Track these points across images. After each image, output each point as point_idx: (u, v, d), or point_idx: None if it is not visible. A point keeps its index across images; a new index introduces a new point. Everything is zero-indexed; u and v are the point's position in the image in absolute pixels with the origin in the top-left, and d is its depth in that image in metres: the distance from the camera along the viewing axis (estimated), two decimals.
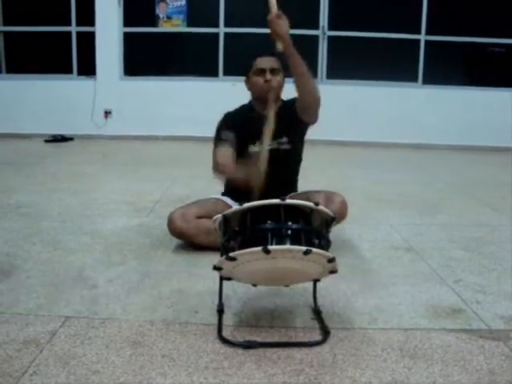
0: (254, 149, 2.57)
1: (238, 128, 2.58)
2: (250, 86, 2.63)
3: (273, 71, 2.53)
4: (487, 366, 1.53)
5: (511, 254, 2.65)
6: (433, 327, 1.78)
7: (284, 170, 2.64)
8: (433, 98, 7.55)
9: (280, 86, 2.59)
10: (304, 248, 1.48)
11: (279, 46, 2.27)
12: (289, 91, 2.57)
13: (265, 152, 2.37)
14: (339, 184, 3.63)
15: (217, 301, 1.79)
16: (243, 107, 2.73)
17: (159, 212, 3.21)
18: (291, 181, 2.78)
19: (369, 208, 3.59)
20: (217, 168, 2.51)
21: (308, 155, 2.88)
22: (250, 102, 2.72)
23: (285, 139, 2.61)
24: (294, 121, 2.57)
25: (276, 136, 2.50)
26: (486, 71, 7.95)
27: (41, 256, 2.41)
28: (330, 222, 1.66)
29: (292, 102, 2.60)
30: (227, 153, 2.51)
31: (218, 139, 2.60)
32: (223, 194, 2.73)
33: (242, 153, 2.57)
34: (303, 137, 2.74)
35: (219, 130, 2.64)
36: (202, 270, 2.22)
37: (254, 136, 2.54)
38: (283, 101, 2.66)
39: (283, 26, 2.25)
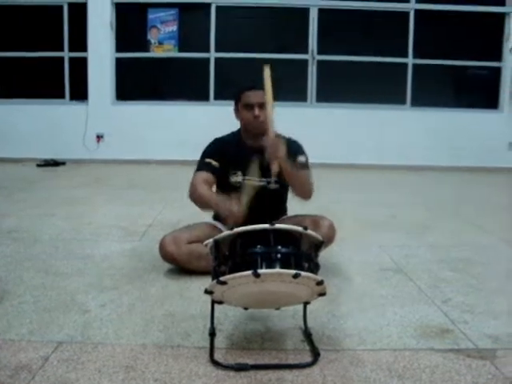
0: (235, 179, 2.61)
1: (224, 156, 2.62)
2: (239, 117, 2.66)
3: (261, 105, 2.52)
4: None
5: (499, 273, 2.70)
6: (421, 347, 1.81)
7: (272, 205, 2.68)
8: (421, 120, 7.68)
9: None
10: (293, 271, 1.51)
11: (275, 168, 2.29)
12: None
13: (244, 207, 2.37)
14: (329, 207, 3.68)
15: (209, 324, 1.81)
16: (232, 135, 2.75)
17: (151, 236, 3.24)
18: (280, 210, 2.80)
19: (358, 230, 3.63)
20: (193, 196, 2.54)
21: None
22: (238, 131, 2.74)
23: (272, 179, 2.57)
24: None
25: (264, 174, 2.53)
26: (471, 93, 8.11)
27: (33, 281, 2.42)
28: (318, 245, 1.70)
29: (291, 144, 2.56)
30: (207, 184, 2.55)
31: (202, 163, 2.63)
32: (214, 219, 2.76)
33: (223, 181, 2.61)
34: None
35: (205, 154, 2.67)
36: (193, 294, 2.24)
37: (237, 166, 2.60)
38: (278, 135, 2.57)
39: (280, 149, 2.29)
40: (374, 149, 7.63)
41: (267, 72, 2.25)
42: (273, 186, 2.62)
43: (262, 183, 2.59)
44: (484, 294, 2.38)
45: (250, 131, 2.63)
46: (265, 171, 2.50)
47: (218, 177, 2.61)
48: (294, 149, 2.59)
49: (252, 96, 2.57)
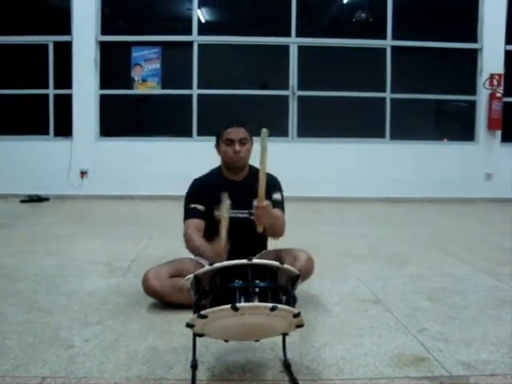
0: (219, 213, 2.66)
1: (206, 195, 2.69)
2: (220, 153, 2.75)
3: (241, 141, 2.65)
4: None
5: (474, 302, 2.78)
6: (397, 375, 1.88)
7: (254, 236, 2.69)
8: (400, 153, 7.86)
9: (249, 153, 2.74)
10: (270, 305, 1.58)
11: (260, 229, 2.43)
12: None
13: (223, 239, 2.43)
14: (310, 240, 3.76)
15: (190, 357, 1.86)
16: (212, 172, 2.85)
17: (135, 272, 3.28)
18: (261, 242, 2.86)
19: (338, 262, 3.70)
20: (189, 247, 2.66)
21: None
22: (219, 167, 2.83)
23: (253, 210, 2.58)
24: None
25: (246, 206, 2.63)
26: (448, 126, 8.35)
27: (17, 317, 2.45)
28: (295, 279, 1.77)
29: (268, 180, 2.56)
30: (199, 232, 2.65)
31: (188, 210, 2.72)
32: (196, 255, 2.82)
33: (209, 217, 2.69)
34: None
35: (188, 199, 2.75)
36: (175, 328, 2.29)
37: (220, 201, 2.65)
38: (255, 169, 2.63)
39: (267, 216, 2.41)
40: (354, 182, 7.76)
41: (264, 135, 2.23)
42: (260, 228, 2.67)
43: (243, 215, 2.68)
44: (458, 322, 2.46)
45: (230, 166, 2.73)
46: (245, 203, 2.61)
47: (205, 218, 2.69)
48: (271, 185, 2.64)
49: (232, 132, 2.67)
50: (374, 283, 3.13)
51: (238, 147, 2.64)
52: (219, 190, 2.64)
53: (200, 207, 2.68)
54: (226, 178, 2.76)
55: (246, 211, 2.67)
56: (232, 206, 2.62)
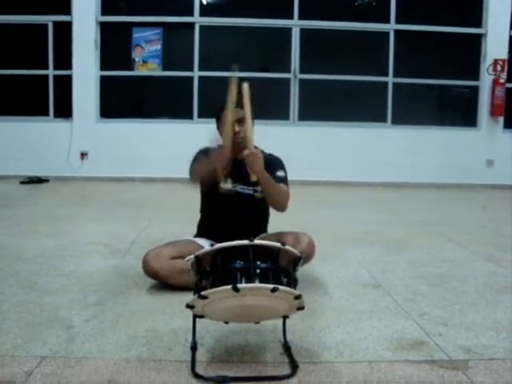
0: (224, 185, 2.69)
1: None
2: (220, 134, 2.71)
3: (240, 121, 2.60)
4: None
5: (473, 288, 2.78)
6: (396, 359, 1.88)
7: (256, 214, 2.78)
8: (401, 138, 7.83)
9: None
10: (271, 286, 1.57)
11: (254, 178, 2.43)
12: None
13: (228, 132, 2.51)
14: (310, 224, 3.75)
15: (190, 338, 1.86)
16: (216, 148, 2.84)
17: (134, 253, 3.27)
18: (262, 223, 2.88)
19: (339, 246, 3.70)
20: (195, 178, 2.68)
21: None
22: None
23: (260, 188, 2.67)
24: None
25: (249, 183, 2.62)
26: (451, 111, 8.31)
27: (17, 297, 2.44)
28: (296, 261, 1.76)
29: (271, 160, 2.72)
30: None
31: (196, 159, 2.74)
32: (196, 236, 2.82)
33: (213, 189, 2.68)
34: None
35: (196, 156, 2.78)
36: (175, 309, 2.29)
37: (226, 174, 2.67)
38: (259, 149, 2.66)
39: (258, 163, 2.41)
40: (355, 166, 7.74)
41: (246, 88, 2.34)
42: (259, 195, 2.71)
43: (249, 191, 2.69)
44: (458, 307, 2.46)
45: (231, 146, 2.69)
46: (250, 180, 2.57)
47: (208, 184, 2.69)
48: (274, 164, 2.70)
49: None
50: (373, 267, 3.13)
51: (237, 128, 2.62)
52: None
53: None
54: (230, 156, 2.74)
55: (251, 188, 2.69)
56: (236, 180, 2.67)
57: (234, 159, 2.68)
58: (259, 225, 2.84)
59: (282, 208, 2.68)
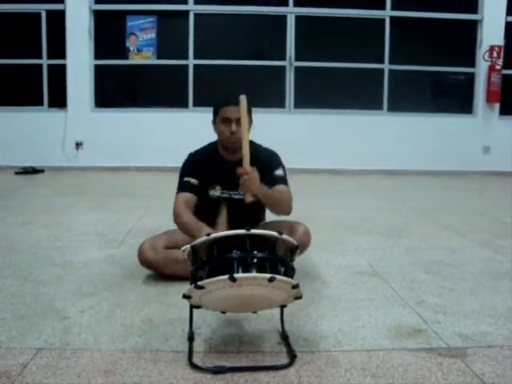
0: (213, 192, 2.62)
1: (201, 171, 2.60)
2: (217, 131, 2.62)
3: (239, 121, 2.41)
4: (444, 382, 1.61)
5: (471, 274, 2.77)
6: (394, 347, 1.87)
7: (249, 217, 2.60)
8: (397, 125, 7.80)
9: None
10: (268, 275, 1.55)
11: (248, 199, 2.25)
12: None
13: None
14: (306, 212, 3.71)
15: (187, 328, 1.85)
16: (209, 147, 2.72)
17: (130, 243, 3.25)
18: (257, 219, 2.79)
19: (335, 234, 3.69)
20: (177, 222, 2.49)
21: None
22: (215, 143, 2.70)
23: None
24: (262, 177, 2.39)
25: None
26: (446, 98, 8.27)
27: (12, 289, 2.42)
28: (293, 250, 1.75)
29: (267, 158, 2.61)
30: (189, 207, 2.50)
31: (181, 183, 2.60)
32: None
33: (203, 195, 2.60)
34: None
35: (183, 172, 2.64)
36: (172, 299, 2.27)
37: (215, 180, 2.61)
38: (255, 146, 2.56)
39: (254, 183, 2.23)
40: (351, 154, 7.73)
41: (243, 100, 2.13)
42: (249, 198, 2.61)
43: (239, 196, 2.51)
44: (456, 294, 2.45)
45: (226, 146, 2.60)
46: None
47: (198, 193, 2.59)
48: (270, 162, 2.58)
49: (230, 110, 2.51)
50: (370, 255, 3.12)
51: (234, 127, 2.49)
52: (215, 169, 2.60)
53: (194, 181, 2.56)
54: (223, 158, 2.64)
55: (242, 192, 2.49)
56: (227, 187, 2.59)
57: (226, 162, 2.61)
58: (255, 221, 2.73)
59: (286, 213, 2.55)
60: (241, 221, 2.36)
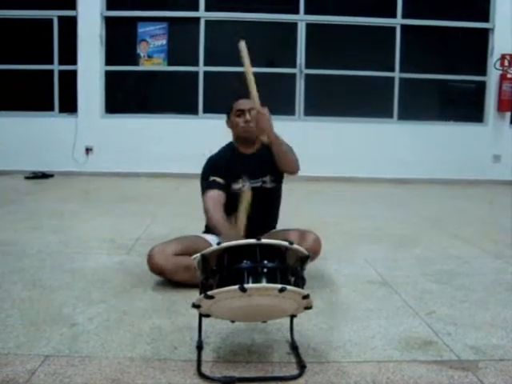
0: (236, 186, 2.69)
1: (223, 170, 2.69)
2: (231, 126, 2.76)
3: (251, 111, 2.63)
4: None
5: (482, 285, 2.74)
6: (405, 359, 1.84)
7: (266, 206, 2.77)
8: (408, 134, 7.76)
9: None
10: (279, 286, 1.54)
11: (264, 138, 2.44)
12: None
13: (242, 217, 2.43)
14: (316, 220, 3.72)
15: (196, 337, 1.84)
16: (225, 148, 2.84)
17: (139, 250, 3.25)
18: (272, 216, 2.88)
19: (345, 243, 3.66)
20: (206, 215, 2.61)
21: (285, 191, 2.96)
22: (231, 142, 2.83)
23: (267, 178, 2.73)
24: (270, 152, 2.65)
25: (259, 175, 2.68)
26: (457, 107, 8.23)
27: (21, 294, 2.42)
28: (304, 259, 1.73)
29: None
30: (218, 203, 2.57)
31: (208, 183, 2.67)
32: (204, 232, 2.79)
33: (228, 191, 2.67)
34: (283, 175, 2.84)
35: (206, 174, 2.73)
36: (181, 307, 2.26)
37: (236, 175, 2.69)
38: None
39: (266, 121, 2.45)
40: (361, 162, 7.69)
41: (243, 45, 2.41)
42: (268, 184, 2.73)
43: (257, 184, 2.70)
44: (467, 305, 2.42)
45: (242, 138, 2.73)
46: (258, 172, 2.67)
47: (225, 190, 2.66)
48: None
49: (243, 103, 2.70)
50: (380, 265, 3.09)
51: (248, 116, 2.66)
52: (234, 163, 2.72)
53: (219, 179, 2.66)
54: (240, 152, 2.77)
55: (259, 179, 2.71)
56: (248, 177, 2.70)
57: (243, 155, 2.71)
58: (270, 218, 2.85)
59: (292, 170, 2.69)
60: (257, 210, 2.48)
